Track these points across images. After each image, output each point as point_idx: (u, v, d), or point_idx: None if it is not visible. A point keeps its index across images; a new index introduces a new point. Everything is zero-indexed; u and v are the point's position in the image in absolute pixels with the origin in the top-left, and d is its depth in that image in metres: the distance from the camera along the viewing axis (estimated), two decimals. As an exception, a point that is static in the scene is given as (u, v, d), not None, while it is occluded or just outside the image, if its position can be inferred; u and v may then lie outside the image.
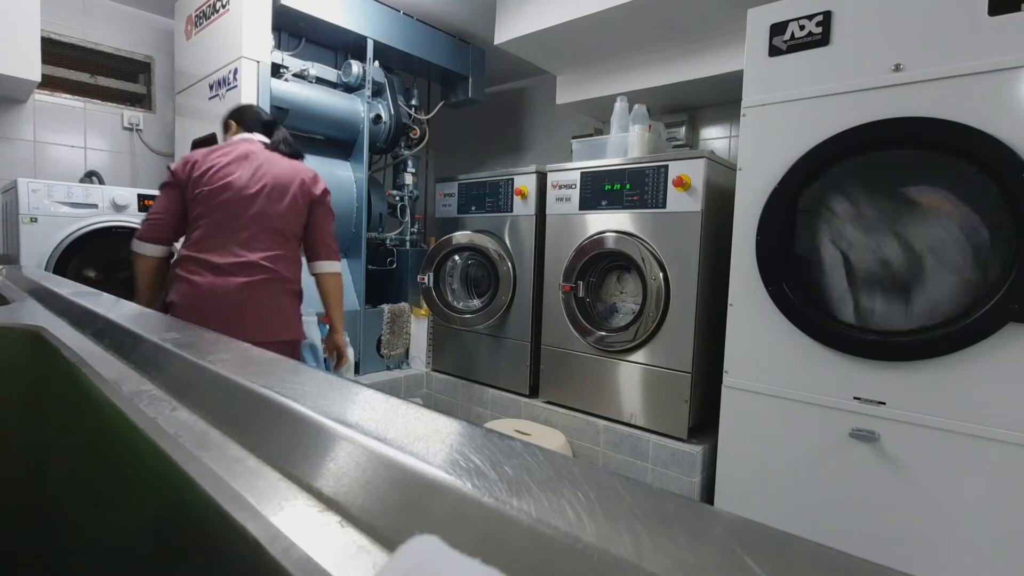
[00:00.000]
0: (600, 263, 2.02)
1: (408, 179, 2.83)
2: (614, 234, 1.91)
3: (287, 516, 0.21)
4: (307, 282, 2.40)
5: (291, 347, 1.54)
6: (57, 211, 2.03)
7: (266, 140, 1.58)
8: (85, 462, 0.45)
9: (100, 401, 0.38)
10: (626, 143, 2.02)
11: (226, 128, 1.64)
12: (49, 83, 2.36)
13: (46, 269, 1.97)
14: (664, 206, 1.79)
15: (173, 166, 1.46)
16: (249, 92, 2.05)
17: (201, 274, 1.39)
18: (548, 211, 2.13)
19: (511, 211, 2.27)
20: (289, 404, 0.29)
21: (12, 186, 2.02)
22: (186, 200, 1.44)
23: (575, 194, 2.03)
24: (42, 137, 2.42)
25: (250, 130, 1.60)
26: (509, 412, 2.28)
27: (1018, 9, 1.12)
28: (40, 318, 0.63)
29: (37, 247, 1.98)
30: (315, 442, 0.26)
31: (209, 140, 2.24)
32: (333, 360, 1.73)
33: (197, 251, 1.41)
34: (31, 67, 2.03)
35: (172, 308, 1.40)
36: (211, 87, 2.22)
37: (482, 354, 2.43)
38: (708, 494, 1.71)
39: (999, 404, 1.16)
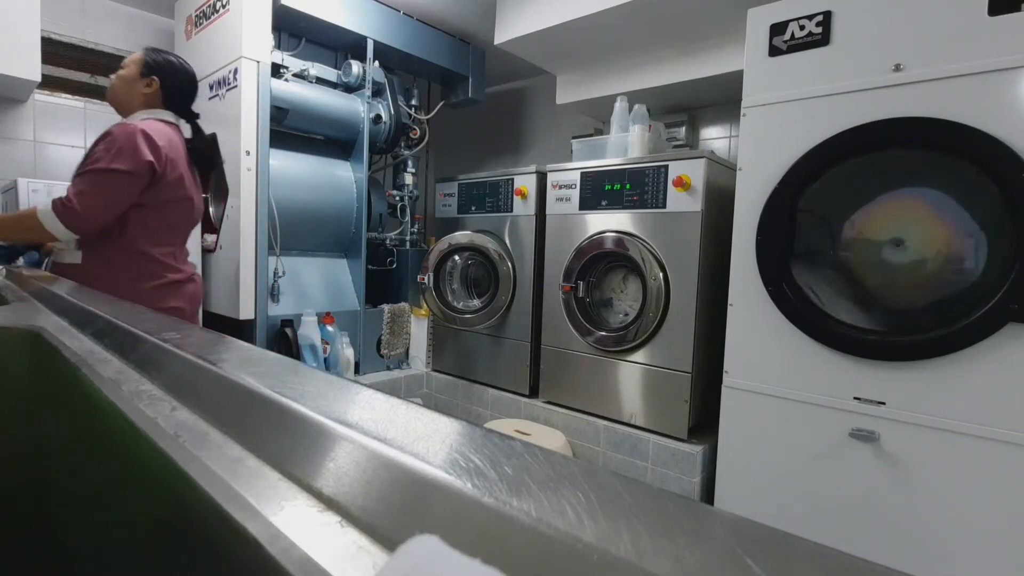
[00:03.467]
0: (600, 263, 2.02)
1: (408, 179, 2.82)
2: (614, 234, 1.91)
3: (287, 516, 0.21)
4: (307, 281, 2.39)
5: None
6: (57, 211, 2.03)
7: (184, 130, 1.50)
8: (85, 462, 0.45)
9: (100, 401, 0.38)
10: (626, 143, 2.02)
11: (145, 77, 1.42)
12: (49, 83, 2.36)
13: (45, 269, 1.97)
14: (664, 206, 1.79)
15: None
16: (249, 92, 2.05)
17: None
18: (548, 211, 2.13)
19: (511, 211, 2.27)
20: (289, 404, 0.29)
21: (12, 186, 2.02)
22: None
23: (575, 194, 2.03)
24: (42, 137, 2.42)
25: (179, 110, 1.49)
26: (509, 412, 2.28)
27: (1018, 9, 1.12)
28: (40, 318, 0.63)
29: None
30: (315, 442, 0.26)
31: (209, 141, 2.24)
32: None
33: (173, 257, 1.48)
34: (31, 67, 2.03)
35: (181, 313, 1.44)
36: (211, 87, 2.21)
37: (482, 354, 2.43)
38: (708, 494, 1.71)
39: (999, 404, 1.16)
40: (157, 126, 1.38)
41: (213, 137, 2.20)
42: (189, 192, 1.46)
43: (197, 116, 1.54)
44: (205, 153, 1.51)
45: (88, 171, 1.29)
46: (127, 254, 1.37)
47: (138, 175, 1.31)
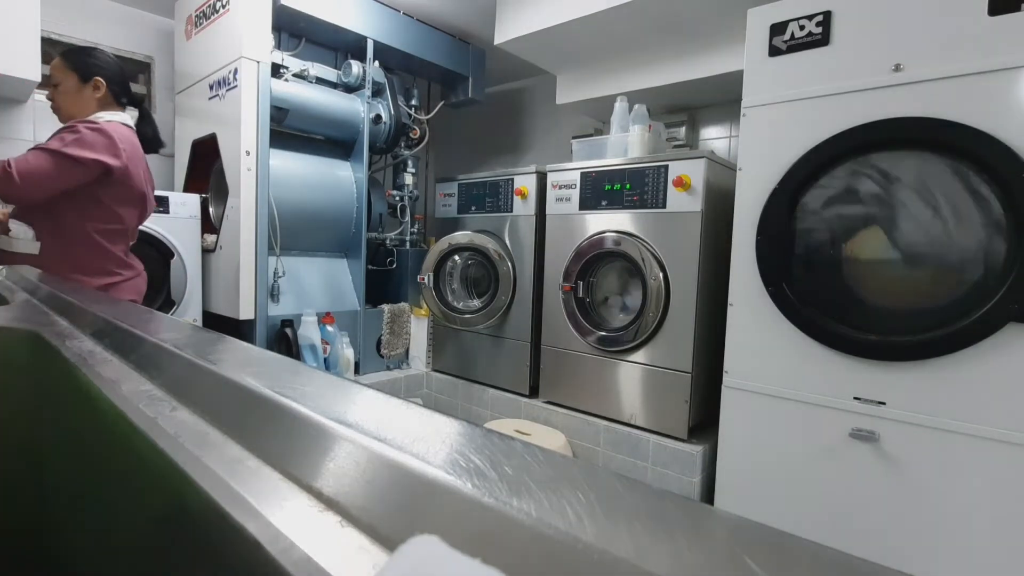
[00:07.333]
0: (600, 263, 2.02)
1: (408, 179, 2.83)
2: (614, 234, 1.91)
3: (287, 516, 0.21)
4: (307, 281, 2.39)
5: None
6: (57, 211, 2.02)
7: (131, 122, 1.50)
8: (85, 462, 0.45)
9: (100, 401, 0.38)
10: (626, 143, 2.02)
11: (88, 82, 1.42)
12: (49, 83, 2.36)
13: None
14: (664, 206, 1.79)
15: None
16: (249, 92, 2.05)
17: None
18: (548, 211, 2.13)
19: (511, 211, 2.27)
20: (289, 404, 0.29)
21: (12, 186, 2.01)
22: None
23: (575, 194, 2.03)
24: (42, 137, 2.39)
25: (125, 105, 1.50)
26: (509, 412, 2.28)
27: (1018, 9, 1.12)
28: (40, 318, 0.63)
29: (37, 247, 1.98)
30: (315, 442, 0.26)
31: (209, 140, 2.24)
32: None
33: (125, 254, 1.52)
34: (31, 67, 2.03)
35: None
36: (211, 87, 2.21)
37: (482, 354, 2.43)
38: (708, 494, 1.71)
39: (999, 404, 1.16)
40: (121, 129, 1.42)
41: (213, 137, 2.20)
42: (143, 190, 1.50)
43: (142, 100, 1.55)
44: (152, 136, 1.53)
45: (40, 148, 1.31)
46: (86, 250, 1.40)
47: (86, 168, 1.32)
